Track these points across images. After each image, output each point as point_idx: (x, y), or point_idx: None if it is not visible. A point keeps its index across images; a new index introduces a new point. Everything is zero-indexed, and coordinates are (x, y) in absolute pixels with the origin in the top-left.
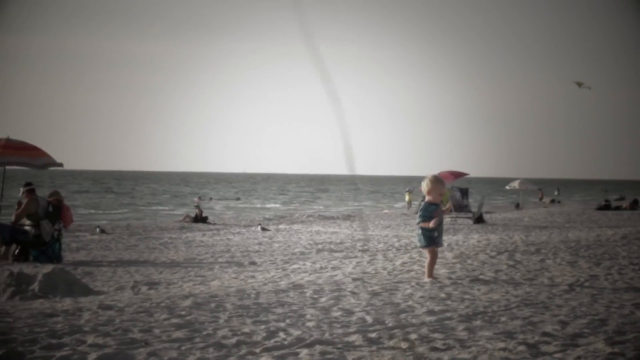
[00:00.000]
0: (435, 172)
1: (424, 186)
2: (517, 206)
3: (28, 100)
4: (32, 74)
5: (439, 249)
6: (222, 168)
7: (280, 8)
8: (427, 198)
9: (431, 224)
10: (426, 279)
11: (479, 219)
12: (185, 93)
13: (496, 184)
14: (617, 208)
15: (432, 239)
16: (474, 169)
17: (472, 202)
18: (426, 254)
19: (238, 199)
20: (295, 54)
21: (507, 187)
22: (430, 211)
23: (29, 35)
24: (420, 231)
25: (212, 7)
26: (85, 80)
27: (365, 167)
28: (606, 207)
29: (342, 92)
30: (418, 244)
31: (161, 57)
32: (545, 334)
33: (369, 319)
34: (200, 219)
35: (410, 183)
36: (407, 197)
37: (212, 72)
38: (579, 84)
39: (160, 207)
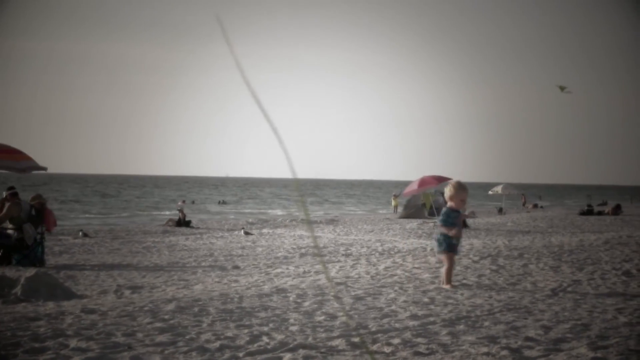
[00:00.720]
0: (419, 176)
1: (447, 192)
2: (500, 211)
3: (8, 103)
4: (12, 77)
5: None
6: (205, 172)
7: (253, 13)
8: (449, 204)
9: (452, 233)
10: (445, 286)
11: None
12: (167, 96)
13: (479, 189)
14: (600, 213)
15: (450, 245)
16: (458, 174)
17: None
18: (443, 260)
19: (223, 202)
20: (266, 58)
21: (490, 192)
22: (452, 217)
23: (9, 39)
24: (440, 236)
25: (194, 10)
26: (62, 84)
27: (349, 171)
28: (589, 212)
29: (328, 96)
30: (435, 249)
31: (144, 59)
32: (528, 338)
33: (352, 323)
34: (183, 222)
35: (397, 187)
36: (393, 202)
37: (193, 75)
38: (562, 88)
39: (143, 211)
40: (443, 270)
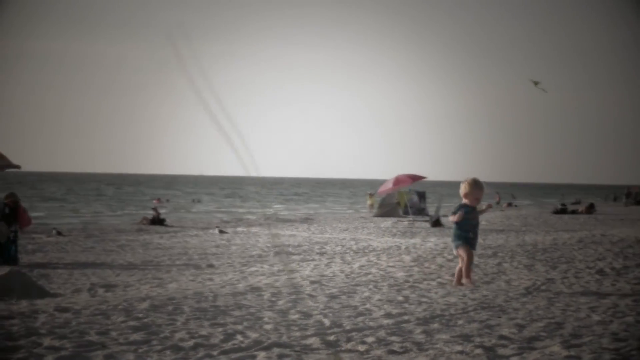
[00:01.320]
0: (393, 175)
1: (462, 189)
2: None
3: None
4: None
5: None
6: (178, 170)
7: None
8: (463, 201)
9: (452, 218)
10: (465, 281)
11: (436, 222)
12: (141, 94)
13: (454, 187)
14: (573, 212)
15: (467, 239)
16: (433, 172)
17: (430, 205)
18: (461, 254)
19: (197, 200)
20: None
21: None
22: (465, 212)
23: None
24: (457, 231)
25: (169, 8)
26: (29, 81)
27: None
28: (562, 211)
29: (311, 95)
30: (453, 246)
31: (113, 57)
32: (502, 337)
33: (327, 322)
34: (157, 221)
35: (372, 186)
36: (369, 201)
37: (168, 73)
38: (535, 83)
39: (116, 209)
40: (459, 267)
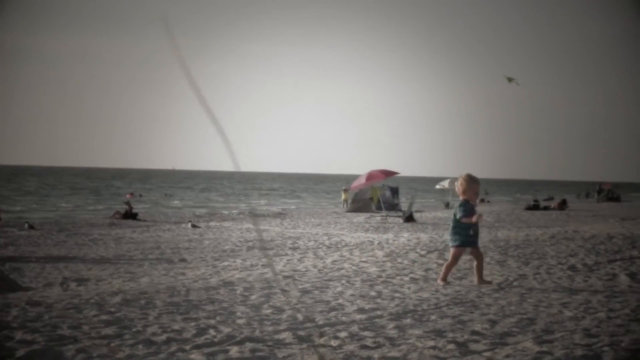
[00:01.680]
0: (366, 170)
1: (458, 186)
2: (447, 205)
3: None
4: None
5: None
6: (150, 165)
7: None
8: (461, 198)
9: (474, 219)
10: (477, 282)
11: (409, 218)
12: (113, 89)
13: (427, 183)
14: (546, 208)
15: (467, 237)
16: (405, 168)
17: (403, 200)
18: (454, 254)
19: (170, 195)
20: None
21: (438, 186)
22: (470, 208)
23: None
24: (455, 229)
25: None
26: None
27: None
28: (535, 207)
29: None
30: (450, 244)
31: (86, 51)
32: (474, 332)
33: (300, 316)
34: (130, 215)
35: (348, 182)
36: (343, 196)
37: (145, 69)
38: (510, 79)
39: (88, 204)
40: (447, 263)
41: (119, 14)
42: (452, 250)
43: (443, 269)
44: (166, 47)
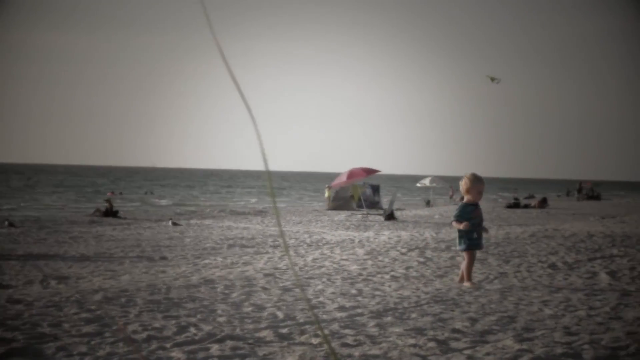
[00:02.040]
0: (347, 168)
1: (462, 185)
2: (428, 203)
3: None
4: None
5: (480, 250)
6: (130, 162)
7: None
8: (465, 198)
9: (462, 226)
10: (466, 284)
11: (390, 216)
12: (95, 86)
13: (407, 181)
14: (526, 206)
15: (471, 241)
16: (386, 166)
17: (383, 198)
18: (464, 257)
19: (150, 192)
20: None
21: (418, 185)
22: (467, 212)
23: None
24: (458, 233)
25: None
26: None
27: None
28: (515, 205)
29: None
30: (457, 248)
31: (74, 49)
32: (455, 330)
33: (280, 314)
34: (110, 213)
35: (331, 179)
36: (326, 193)
37: (125, 65)
38: (492, 79)
39: (69, 201)
40: (462, 266)
41: (99, 12)
42: (463, 254)
43: (464, 271)
44: (204, 35)
